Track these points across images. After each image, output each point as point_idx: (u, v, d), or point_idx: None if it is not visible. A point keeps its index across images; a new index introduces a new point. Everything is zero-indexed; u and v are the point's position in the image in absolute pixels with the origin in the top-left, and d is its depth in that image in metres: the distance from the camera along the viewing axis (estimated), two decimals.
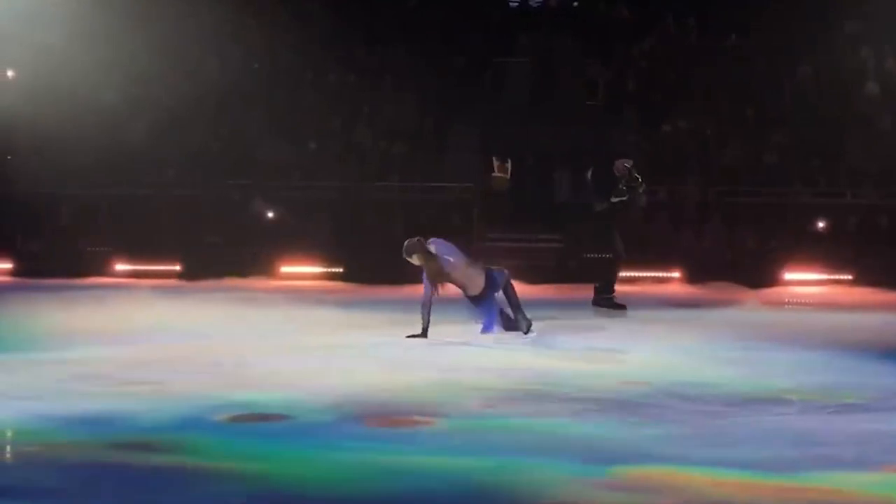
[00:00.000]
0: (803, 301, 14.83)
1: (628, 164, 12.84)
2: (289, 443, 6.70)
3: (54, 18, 18.16)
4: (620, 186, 12.67)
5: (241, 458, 6.34)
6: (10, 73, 19.57)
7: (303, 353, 9.83)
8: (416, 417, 7.36)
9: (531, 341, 10.64)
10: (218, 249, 17.19)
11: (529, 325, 10.73)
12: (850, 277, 16.29)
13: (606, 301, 12.81)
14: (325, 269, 17.16)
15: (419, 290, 10.68)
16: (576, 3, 22.05)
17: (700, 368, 9.31)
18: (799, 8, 19.53)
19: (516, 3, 22.20)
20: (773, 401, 8.02)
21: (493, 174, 20.18)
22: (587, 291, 13.22)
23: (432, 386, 8.43)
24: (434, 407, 7.65)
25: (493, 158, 18.60)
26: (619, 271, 13.07)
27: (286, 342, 10.46)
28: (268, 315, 12.47)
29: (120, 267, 17.22)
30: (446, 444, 6.71)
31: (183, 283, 16.35)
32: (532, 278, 16.07)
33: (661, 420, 7.36)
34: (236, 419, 7.30)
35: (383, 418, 7.37)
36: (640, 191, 12.87)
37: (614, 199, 12.74)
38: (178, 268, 17.14)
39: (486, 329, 10.72)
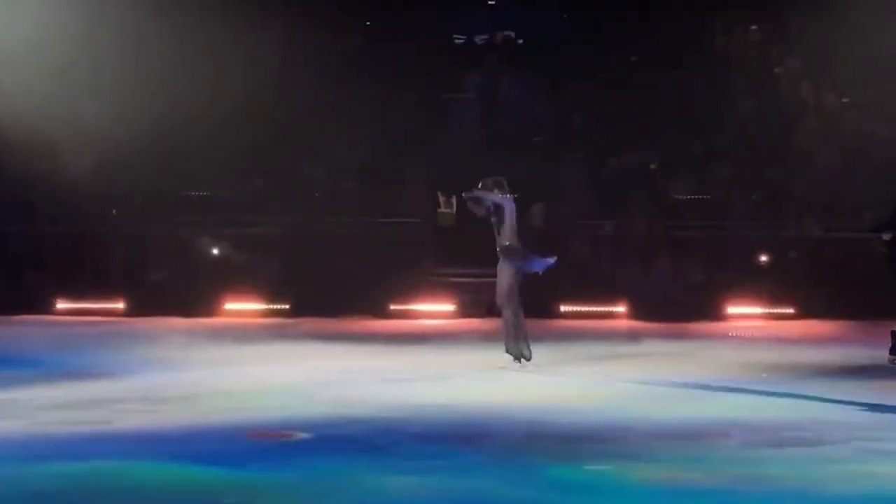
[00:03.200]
0: (746, 335, 14.90)
1: None
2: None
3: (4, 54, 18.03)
4: None
5: None
6: None
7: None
8: None
9: (477, 376, 10.77)
10: (162, 287, 17.05)
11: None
12: (791, 311, 16.43)
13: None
14: (270, 306, 17.08)
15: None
16: (521, 41, 22.26)
17: (644, 402, 9.37)
18: (741, 44, 19.80)
19: (462, 40, 22.38)
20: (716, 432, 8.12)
21: (439, 210, 20.31)
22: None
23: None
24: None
25: (439, 195, 18.63)
26: None
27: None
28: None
29: (62, 305, 17.03)
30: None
31: (127, 321, 16.21)
32: (479, 313, 16.15)
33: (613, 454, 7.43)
34: None
35: None
36: None
37: (885, 237, 11.28)
38: (121, 306, 16.98)
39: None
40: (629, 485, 6.56)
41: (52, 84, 18.42)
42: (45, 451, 7.40)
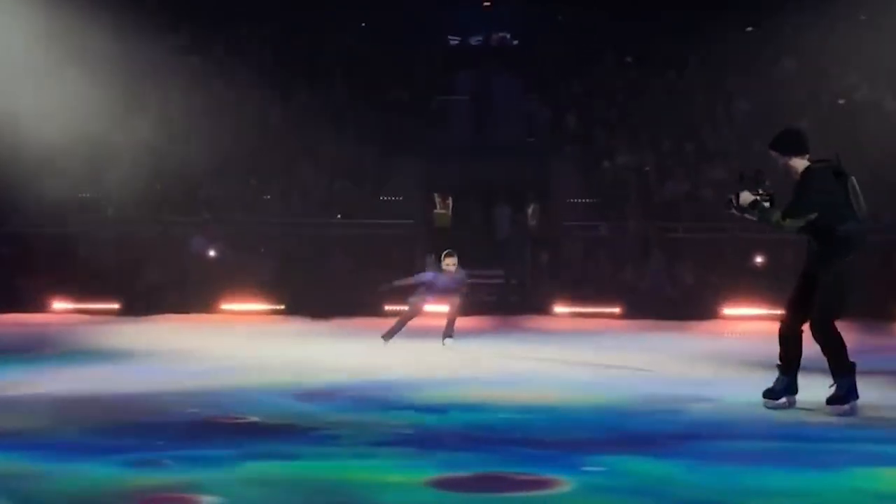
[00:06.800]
0: (741, 335, 14.86)
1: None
2: None
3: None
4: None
5: None
6: None
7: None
8: None
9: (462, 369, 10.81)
10: (157, 287, 17.04)
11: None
12: (783, 312, 16.34)
13: None
14: (266, 306, 17.08)
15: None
16: (515, 42, 22.31)
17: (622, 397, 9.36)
18: (736, 45, 19.85)
19: (457, 42, 22.43)
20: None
21: (436, 210, 20.41)
22: (528, 323, 13.31)
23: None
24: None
25: (436, 195, 18.57)
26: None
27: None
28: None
29: (58, 305, 17.02)
30: None
31: (123, 319, 16.19)
32: (472, 312, 16.16)
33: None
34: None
35: None
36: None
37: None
38: (117, 306, 16.97)
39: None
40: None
41: (43, 85, 18.39)
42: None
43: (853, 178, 8.49)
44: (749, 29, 20.75)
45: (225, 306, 16.94)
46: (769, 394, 8.67)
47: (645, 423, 8.18)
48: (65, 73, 18.67)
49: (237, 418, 8.23)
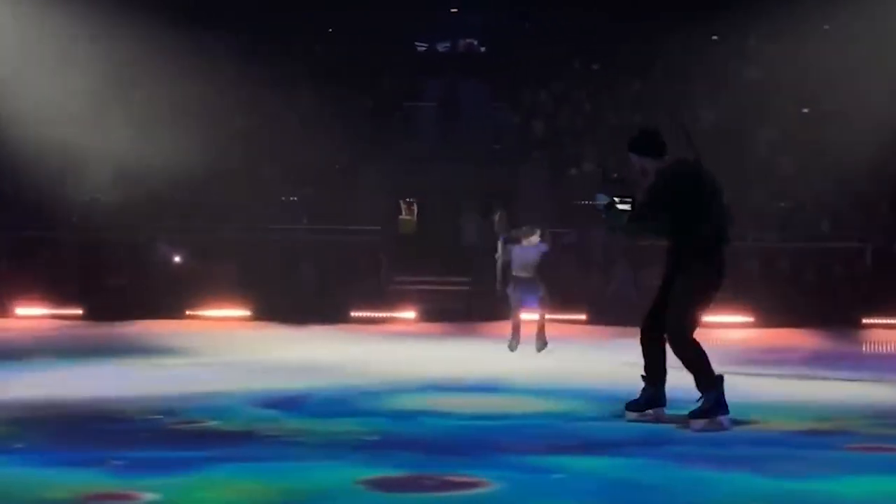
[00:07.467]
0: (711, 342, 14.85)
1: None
2: None
3: None
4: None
5: None
6: None
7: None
8: None
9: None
10: (122, 293, 16.94)
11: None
12: (750, 319, 16.48)
13: None
14: (233, 312, 17.02)
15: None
16: (483, 49, 22.34)
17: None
18: (700, 54, 19.96)
19: (424, 48, 22.43)
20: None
21: (401, 217, 20.41)
22: (495, 329, 13.30)
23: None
24: None
25: (401, 202, 18.54)
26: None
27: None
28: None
29: (22, 311, 16.89)
30: None
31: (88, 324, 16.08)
32: (439, 319, 16.17)
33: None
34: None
35: None
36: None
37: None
38: (81, 311, 16.85)
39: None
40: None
41: (12, 89, 18.30)
42: None
43: (716, 180, 8.20)
44: (714, 38, 20.85)
45: (191, 312, 16.87)
46: (633, 406, 8.31)
47: (609, 429, 8.17)
48: (36, 78, 18.55)
49: (199, 423, 8.18)
